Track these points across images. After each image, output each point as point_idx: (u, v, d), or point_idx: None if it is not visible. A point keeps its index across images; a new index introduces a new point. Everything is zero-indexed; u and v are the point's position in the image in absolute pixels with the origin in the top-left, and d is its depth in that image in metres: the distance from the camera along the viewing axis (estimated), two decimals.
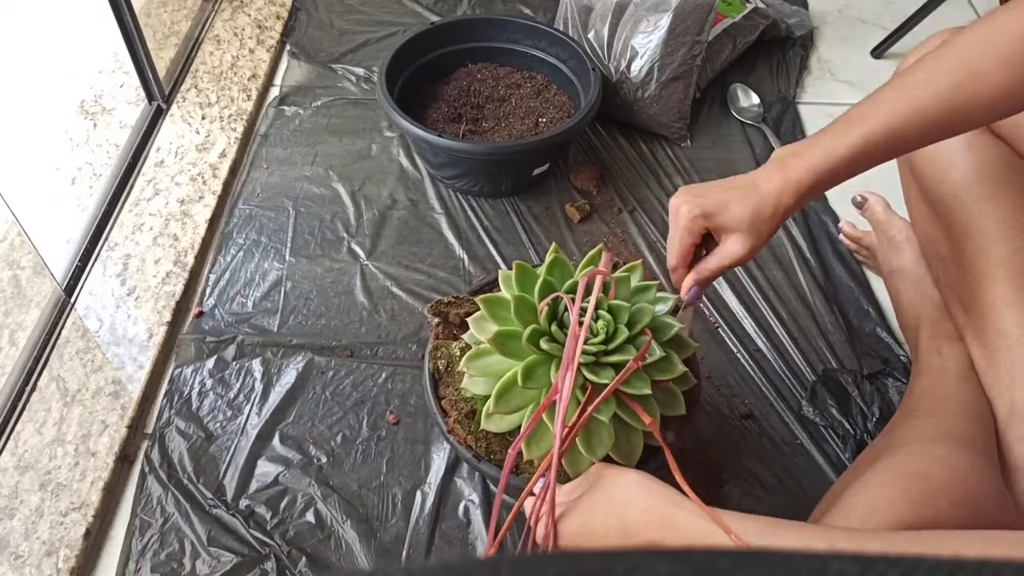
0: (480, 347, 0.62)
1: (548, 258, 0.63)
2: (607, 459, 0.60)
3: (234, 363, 0.85)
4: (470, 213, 1.02)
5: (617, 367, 0.57)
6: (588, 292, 0.58)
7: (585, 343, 0.56)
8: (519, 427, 0.60)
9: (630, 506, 0.52)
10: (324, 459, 0.77)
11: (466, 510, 0.74)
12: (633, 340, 0.59)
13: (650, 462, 0.62)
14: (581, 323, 0.57)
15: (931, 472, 0.58)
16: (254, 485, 0.75)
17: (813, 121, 1.17)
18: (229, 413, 0.81)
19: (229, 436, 0.79)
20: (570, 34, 1.12)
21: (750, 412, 0.83)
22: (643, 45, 1.06)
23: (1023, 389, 0.66)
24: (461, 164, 0.99)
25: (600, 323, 0.58)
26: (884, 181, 0.89)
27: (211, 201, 1.01)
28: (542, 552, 0.70)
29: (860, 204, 0.92)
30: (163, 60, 1.17)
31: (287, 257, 0.96)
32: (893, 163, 0.81)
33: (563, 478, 0.61)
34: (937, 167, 0.72)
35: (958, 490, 0.57)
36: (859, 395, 0.83)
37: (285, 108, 1.16)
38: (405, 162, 1.09)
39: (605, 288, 0.59)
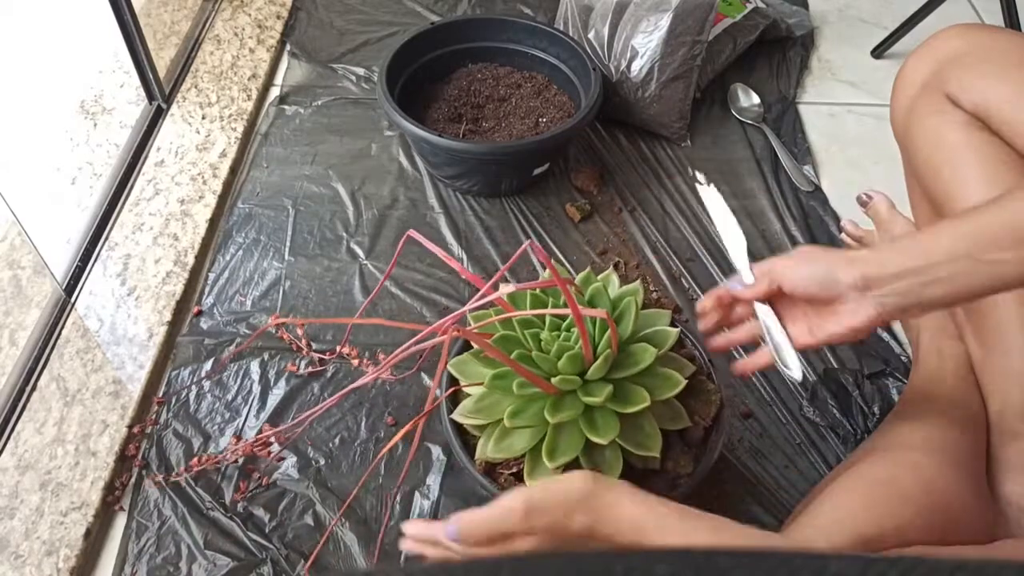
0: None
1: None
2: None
3: (232, 364, 0.84)
4: (469, 213, 1.02)
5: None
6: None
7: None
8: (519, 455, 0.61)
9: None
10: (322, 461, 0.77)
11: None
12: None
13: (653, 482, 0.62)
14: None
15: (899, 480, 0.59)
16: (252, 486, 0.75)
17: (813, 121, 1.17)
18: (227, 415, 0.81)
19: (227, 438, 0.79)
20: (570, 34, 1.12)
21: (750, 412, 0.83)
22: (643, 45, 1.06)
23: (1017, 387, 0.66)
24: (461, 164, 0.99)
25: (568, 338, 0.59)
26: (888, 180, 0.89)
27: (211, 201, 1.01)
28: (543, 552, 0.70)
29: (865, 203, 0.92)
30: (163, 60, 1.17)
31: (286, 256, 0.96)
32: (896, 163, 0.81)
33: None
34: (935, 166, 0.72)
35: (926, 498, 0.57)
36: (860, 395, 0.83)
37: (285, 108, 1.16)
38: (405, 162, 1.08)
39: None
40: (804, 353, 0.87)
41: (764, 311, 0.61)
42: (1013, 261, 0.50)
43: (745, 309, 0.63)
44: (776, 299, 0.62)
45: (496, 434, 0.62)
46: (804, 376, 0.85)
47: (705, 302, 0.64)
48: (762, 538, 0.46)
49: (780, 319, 0.61)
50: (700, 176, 0.70)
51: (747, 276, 0.62)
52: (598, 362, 0.58)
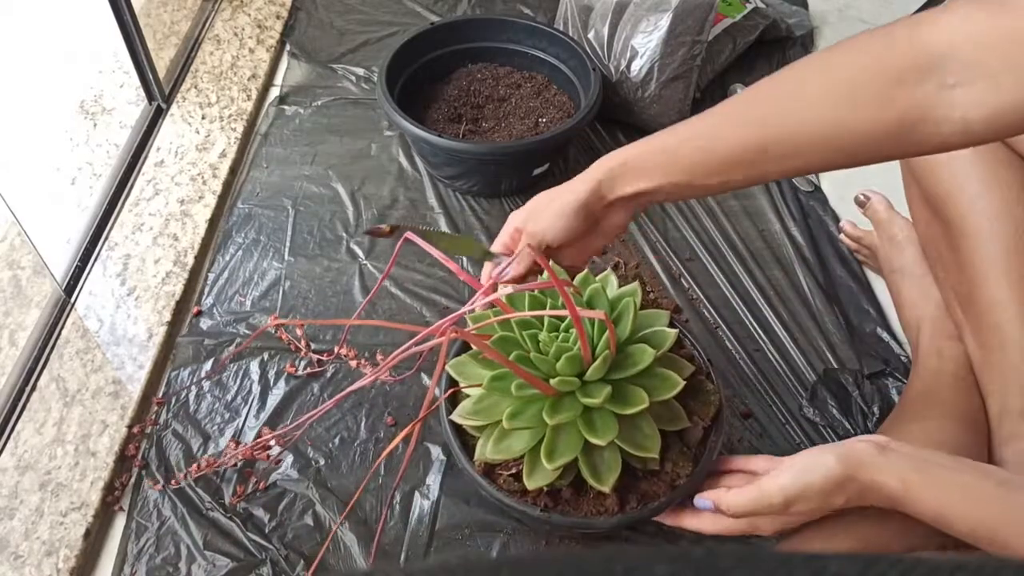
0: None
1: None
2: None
3: (232, 365, 0.84)
4: (469, 213, 1.02)
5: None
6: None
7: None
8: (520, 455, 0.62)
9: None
10: (322, 461, 0.77)
11: (465, 511, 0.74)
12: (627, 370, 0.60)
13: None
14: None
15: None
16: (251, 488, 0.75)
17: None
18: (227, 415, 0.81)
19: (227, 439, 0.79)
20: (570, 34, 1.12)
21: (750, 412, 0.83)
22: (643, 45, 1.06)
23: (1016, 387, 0.66)
24: (461, 164, 0.99)
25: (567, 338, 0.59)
26: (886, 180, 0.90)
27: (211, 201, 1.01)
28: (543, 552, 0.70)
29: (863, 203, 0.92)
30: (163, 60, 1.17)
31: (286, 256, 0.96)
32: (895, 163, 0.81)
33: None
34: (933, 167, 0.73)
35: None
36: (860, 395, 0.83)
37: (285, 108, 1.16)
38: (404, 162, 1.08)
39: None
40: (805, 355, 0.88)
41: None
42: (719, 184, 0.57)
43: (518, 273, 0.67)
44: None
45: (495, 435, 0.62)
46: (803, 375, 0.85)
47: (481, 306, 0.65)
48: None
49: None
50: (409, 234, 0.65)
51: (497, 258, 0.66)
52: (596, 363, 0.58)
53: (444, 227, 1.00)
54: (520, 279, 0.64)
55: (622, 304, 0.63)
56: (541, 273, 0.66)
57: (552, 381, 0.58)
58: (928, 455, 0.50)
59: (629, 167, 0.59)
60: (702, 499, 0.59)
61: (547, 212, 0.62)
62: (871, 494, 0.50)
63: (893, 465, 0.50)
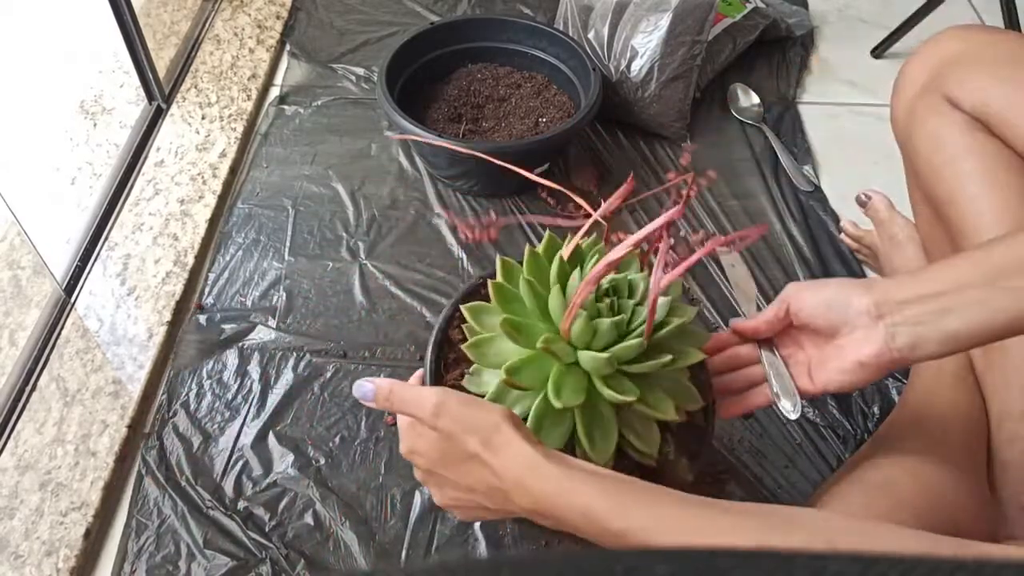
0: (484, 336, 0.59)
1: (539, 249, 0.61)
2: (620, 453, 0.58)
3: (232, 364, 0.85)
4: (469, 213, 1.02)
5: (638, 376, 0.54)
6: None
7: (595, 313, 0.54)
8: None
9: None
10: (322, 460, 0.77)
11: None
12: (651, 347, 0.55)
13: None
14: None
15: (896, 482, 0.59)
16: (252, 487, 0.75)
17: (813, 121, 1.17)
18: (227, 414, 0.81)
19: (227, 437, 0.79)
20: (570, 34, 1.12)
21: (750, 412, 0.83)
22: (643, 45, 1.06)
23: (1016, 388, 0.66)
24: (460, 164, 0.99)
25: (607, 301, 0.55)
26: (887, 180, 0.90)
27: (211, 201, 1.01)
28: (543, 552, 0.70)
29: (864, 203, 0.92)
30: (163, 60, 1.17)
31: (286, 256, 0.96)
32: (896, 163, 0.81)
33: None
34: (935, 167, 0.72)
35: (924, 501, 0.57)
36: (860, 395, 0.83)
37: (285, 108, 1.16)
38: (405, 162, 1.08)
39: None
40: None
41: (766, 352, 0.59)
42: None
43: (748, 353, 0.60)
44: (780, 336, 0.59)
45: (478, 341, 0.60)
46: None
47: (712, 357, 0.60)
48: (655, 497, 0.45)
49: (782, 360, 0.59)
50: (724, 253, 0.63)
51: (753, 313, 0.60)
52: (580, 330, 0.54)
53: (444, 228, 1.00)
54: (757, 330, 0.58)
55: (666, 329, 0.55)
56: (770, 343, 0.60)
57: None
58: (564, 464, 0.46)
59: (936, 301, 0.49)
60: (364, 383, 0.52)
61: (817, 286, 0.55)
62: (491, 453, 0.46)
63: (531, 448, 0.46)
